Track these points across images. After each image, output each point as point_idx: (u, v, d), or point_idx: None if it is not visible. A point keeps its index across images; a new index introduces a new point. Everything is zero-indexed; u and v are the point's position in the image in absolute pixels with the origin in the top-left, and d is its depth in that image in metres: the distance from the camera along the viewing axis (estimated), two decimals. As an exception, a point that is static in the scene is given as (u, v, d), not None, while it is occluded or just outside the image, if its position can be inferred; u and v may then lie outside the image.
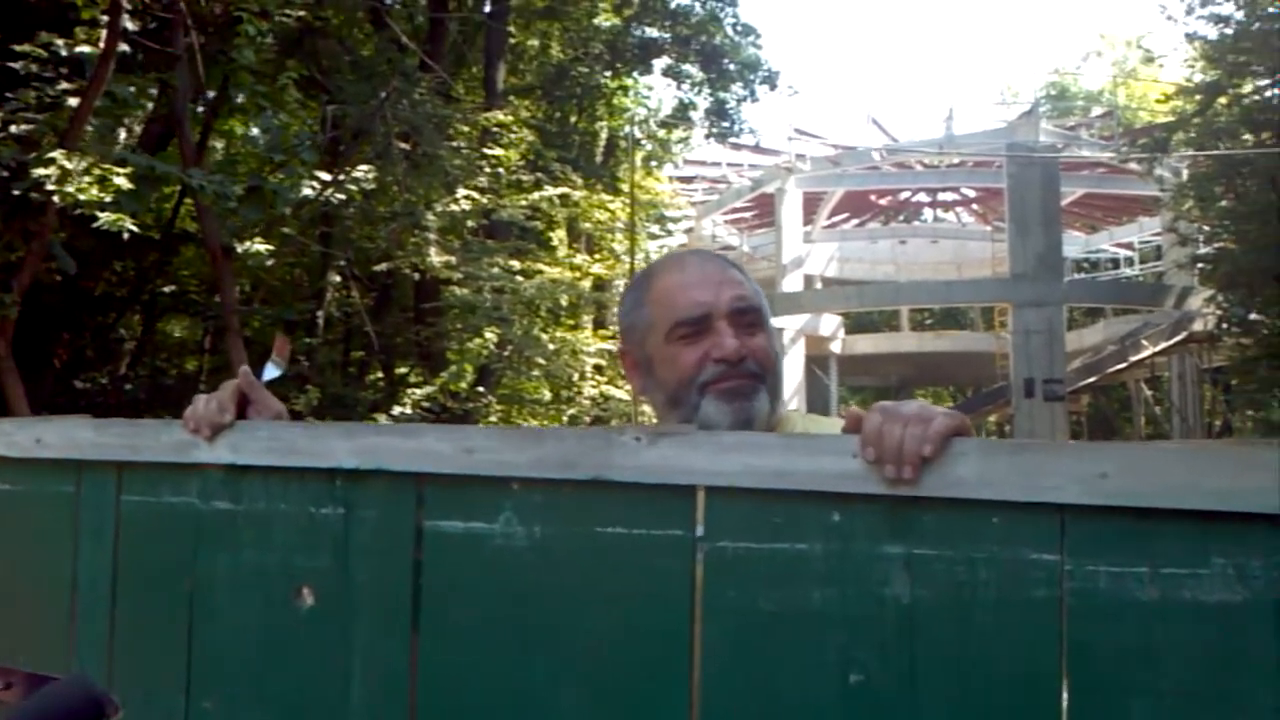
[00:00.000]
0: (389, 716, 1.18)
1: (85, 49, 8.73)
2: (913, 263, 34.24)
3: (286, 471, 1.27)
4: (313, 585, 1.24)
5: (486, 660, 1.13)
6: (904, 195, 36.63)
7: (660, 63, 18.92)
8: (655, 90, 22.48)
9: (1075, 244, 34.79)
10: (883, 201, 36.82)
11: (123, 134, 11.52)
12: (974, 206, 36.99)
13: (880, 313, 36.66)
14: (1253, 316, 22.78)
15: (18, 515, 1.51)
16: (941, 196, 37.07)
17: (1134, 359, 28.73)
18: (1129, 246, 37.03)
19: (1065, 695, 0.88)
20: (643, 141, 20.95)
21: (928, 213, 40.32)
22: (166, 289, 13.72)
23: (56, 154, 7.95)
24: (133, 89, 9.69)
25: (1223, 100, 23.69)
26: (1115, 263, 39.12)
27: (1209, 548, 0.84)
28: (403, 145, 11.94)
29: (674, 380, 1.45)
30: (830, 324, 30.22)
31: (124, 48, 8.68)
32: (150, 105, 11.74)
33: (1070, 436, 27.66)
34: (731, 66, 18.74)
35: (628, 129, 19.59)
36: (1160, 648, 0.86)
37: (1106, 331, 31.82)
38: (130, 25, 8.70)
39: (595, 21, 17.90)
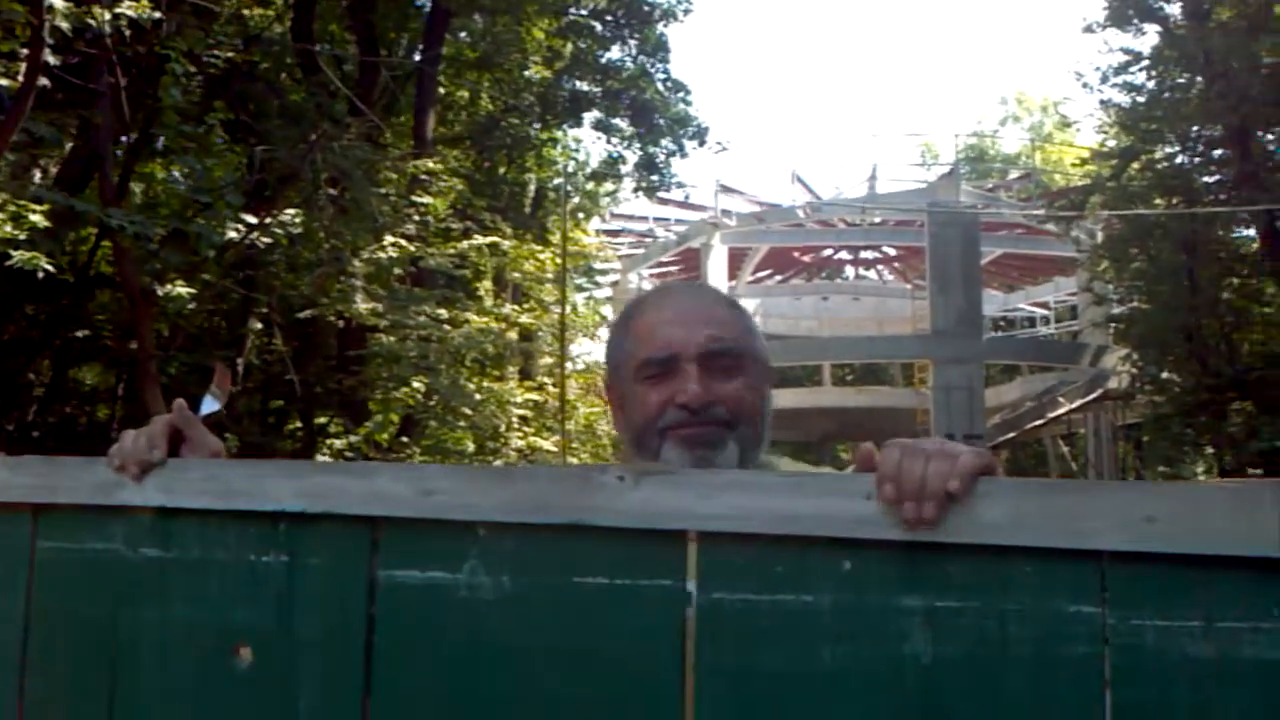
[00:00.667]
0: (336, 789, 1.06)
1: (3, 82, 8.49)
2: (835, 319, 34.59)
3: (224, 515, 1.14)
4: (252, 643, 1.12)
5: (449, 726, 1.02)
6: (827, 252, 37.09)
7: (590, 116, 18.98)
8: (584, 143, 22.54)
9: (993, 302, 35.42)
10: (806, 258, 37.23)
11: (38, 174, 11.22)
12: (895, 264, 37.56)
13: (804, 368, 36.89)
14: (1165, 375, 23.29)
15: (-83, 563, 1.36)
16: (864, 254, 37.59)
17: (1051, 415, 29.22)
18: (1045, 305, 37.83)
19: (1109, 765, 0.79)
20: (572, 194, 20.96)
21: (850, 270, 40.84)
22: (80, 333, 13.34)
23: (-32, 190, 7.69)
24: (53, 127, 9.43)
25: (1136, 165, 24.37)
26: (1031, 321, 39.91)
27: (1270, 598, 0.77)
28: (330, 191, 11.77)
29: (639, 421, 1.36)
30: (755, 378, 30.20)
31: (44, 83, 8.44)
32: (69, 145, 11.46)
33: (990, 492, 27.84)
34: (661, 121, 18.85)
35: (558, 180, 19.59)
36: (1216, 711, 0.77)
37: (1024, 388, 32.32)
38: (52, 60, 8.47)
39: (526, 74, 17.92)
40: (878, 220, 31.36)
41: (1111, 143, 26.18)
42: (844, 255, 38.11)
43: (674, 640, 0.93)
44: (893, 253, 35.67)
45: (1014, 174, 39.89)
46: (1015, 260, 33.00)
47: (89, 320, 13.46)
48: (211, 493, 1.15)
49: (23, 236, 7.65)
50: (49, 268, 7.85)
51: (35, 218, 7.70)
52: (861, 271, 40.08)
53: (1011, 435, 30.21)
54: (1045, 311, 37.97)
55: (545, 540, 0.99)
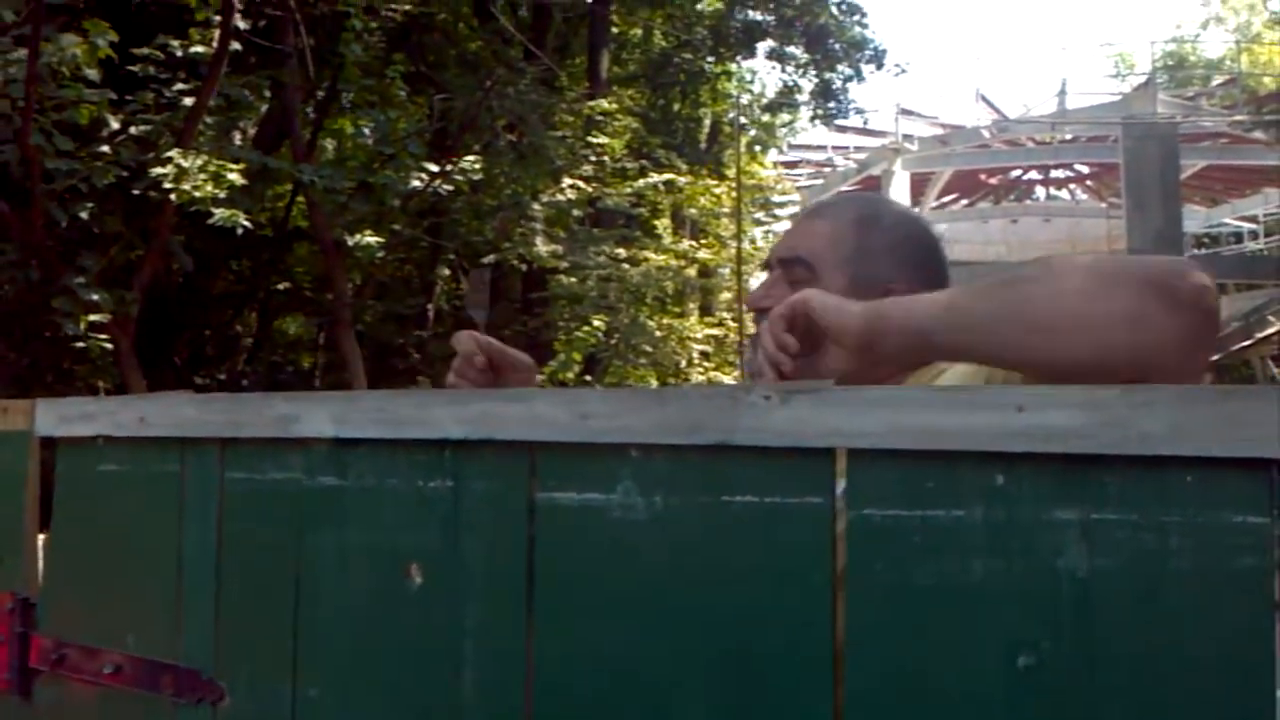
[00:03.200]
0: (504, 702, 1.10)
1: (199, 49, 8.90)
2: (1025, 242, 33.39)
3: (394, 444, 1.19)
4: (422, 563, 1.17)
5: (606, 643, 1.05)
6: (1015, 173, 35.75)
7: (764, 46, 18.71)
8: (759, 74, 22.26)
9: (1195, 219, 33.57)
10: (993, 180, 35.97)
11: (237, 136, 11.75)
12: (1088, 183, 35.96)
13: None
14: (1389, 289, 21.75)
15: (125, 495, 1.47)
16: (1055, 173, 36.10)
17: (1259, 335, 27.60)
18: (1253, 220, 35.65)
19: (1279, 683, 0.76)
20: (747, 126, 20.75)
21: (1040, 191, 39.33)
22: (281, 286, 14.01)
23: (173, 153, 8.12)
24: (246, 89, 9.86)
25: (1355, 63, 22.62)
26: (1238, 237, 37.69)
27: None
28: (508, 136, 11.98)
29: None
30: (941, 307, 29.53)
31: (236, 47, 8.83)
32: (263, 107, 11.97)
33: (1196, 418, 26.66)
34: (837, 47, 18.44)
35: (732, 114, 19.41)
36: (1397, 624, 0.73)
37: (1230, 308, 30.61)
38: (242, 25, 8.84)
39: (698, 7, 17.77)
40: (1069, 137, 30.02)
41: (1327, 40, 24.34)
42: (1033, 175, 36.68)
43: (824, 557, 0.93)
44: (1085, 171, 34.14)
45: (1217, 80, 37.48)
46: (1219, 172, 31.13)
47: (289, 273, 14.13)
48: (381, 422, 1.20)
49: (222, 195, 8.05)
50: (247, 224, 8.25)
51: (233, 176, 8.08)
52: (1052, 192, 38.54)
53: (1217, 358, 28.71)
54: (1253, 226, 35.78)
55: (695, 461, 1.00)
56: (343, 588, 1.23)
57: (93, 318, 8.37)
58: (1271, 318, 26.75)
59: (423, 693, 1.16)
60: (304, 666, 1.24)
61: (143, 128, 8.68)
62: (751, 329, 1.48)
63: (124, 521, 1.46)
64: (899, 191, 28.54)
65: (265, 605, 1.30)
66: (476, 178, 11.06)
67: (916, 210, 1.92)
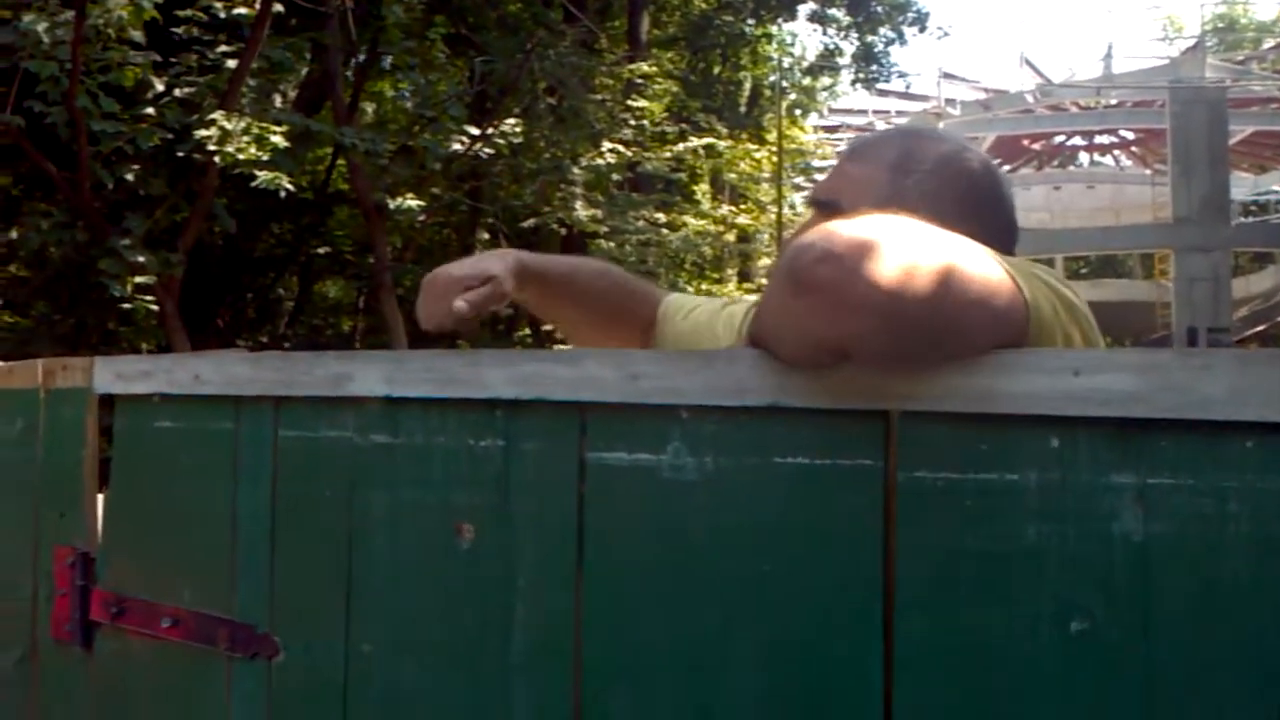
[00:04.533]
0: (553, 662, 1.11)
1: (242, 11, 8.92)
2: (1068, 209, 33.06)
3: (444, 403, 1.20)
4: (473, 522, 1.18)
5: (655, 604, 1.05)
6: (1059, 139, 35.32)
7: (805, 8, 18.54)
8: (800, 37, 22.06)
9: (1243, 185, 33.04)
10: (1036, 146, 35.57)
11: (279, 98, 11.79)
12: (1133, 149, 35.46)
13: (1034, 261, 35.45)
14: None
15: (180, 452, 1.49)
16: (1098, 139, 35.62)
17: (1311, 305, 27.18)
18: (1304, 187, 35.00)
19: (1337, 648, 0.75)
20: (788, 90, 20.58)
21: (1084, 156, 38.83)
22: (322, 250, 14.09)
23: (217, 115, 8.17)
24: (288, 51, 9.88)
25: None
26: (1288, 204, 37.05)
27: None
28: (548, 99, 11.95)
29: None
30: (982, 274, 29.34)
31: (278, 9, 8.85)
32: (304, 70, 12.00)
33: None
34: (879, 9, 18.23)
35: (773, 77, 19.26)
36: None
37: (1277, 277, 30.21)
38: (283, -14, 8.85)
39: (739, -32, 17.59)
40: (1114, 102, 29.58)
41: (1384, 2, 23.80)
42: (1077, 141, 36.23)
43: (876, 519, 0.93)
44: (1131, 136, 33.66)
45: (1268, 43, 36.75)
46: (1269, 138, 30.60)
47: (330, 237, 14.20)
48: (432, 381, 1.21)
49: (265, 158, 8.09)
50: (289, 187, 8.30)
51: (276, 139, 8.12)
52: (1096, 157, 38.05)
53: (1262, 328, 28.32)
54: (1304, 193, 35.15)
55: (745, 422, 1.00)
56: (395, 545, 1.25)
57: (138, 279, 8.46)
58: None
59: (473, 650, 1.17)
60: (356, 623, 1.26)
61: (186, 90, 8.73)
62: None
63: (180, 478, 1.48)
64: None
65: (318, 562, 1.32)
66: (516, 141, 11.06)
67: (973, 150, 1.61)
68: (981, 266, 0.93)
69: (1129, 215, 31.12)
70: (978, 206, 1.31)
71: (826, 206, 1.31)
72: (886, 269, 0.85)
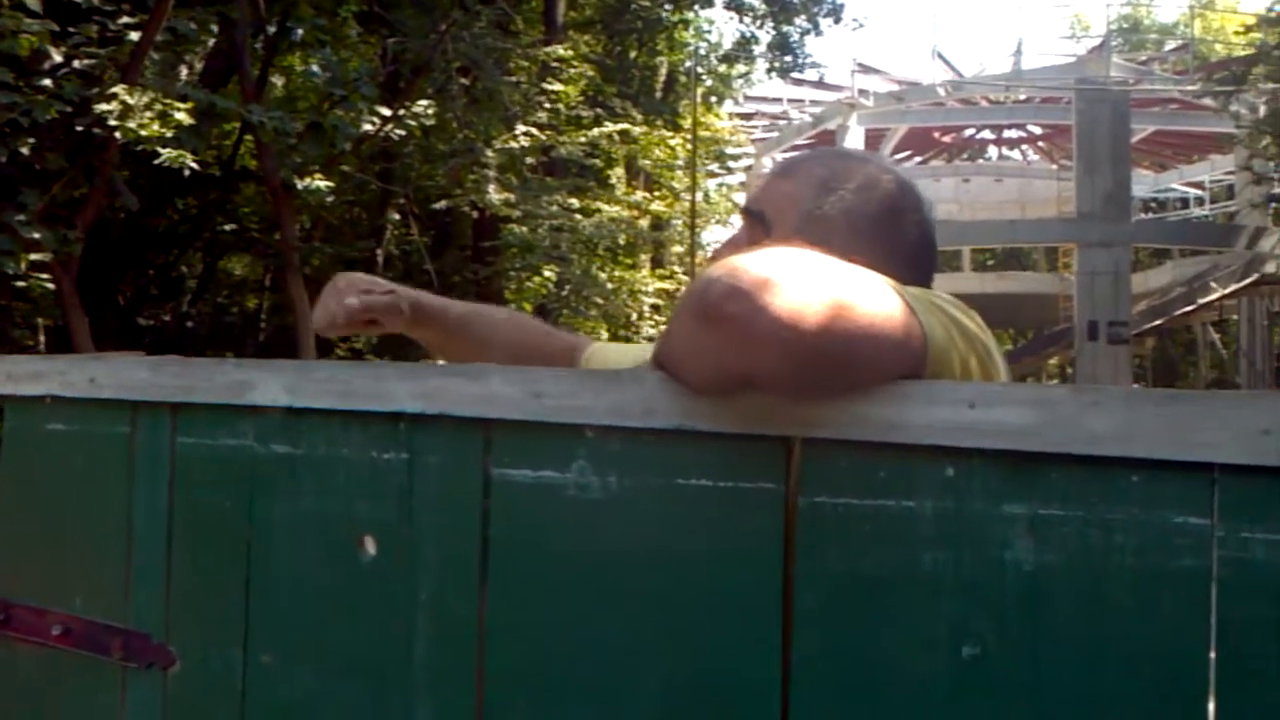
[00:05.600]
0: (455, 675, 1.11)
1: (145, -19, 8.67)
2: (976, 202, 33.71)
3: (348, 415, 1.19)
4: (376, 535, 1.17)
5: (559, 620, 1.06)
6: (969, 132, 35.98)
7: (722, -4, 18.57)
8: (717, 24, 22.13)
9: (1144, 183, 34.02)
10: (947, 139, 36.20)
11: (184, 71, 11.51)
12: (1040, 144, 36.26)
13: (942, 253, 36.09)
14: (1329, 258, 22.19)
15: (74, 456, 1.45)
16: (1008, 134, 36.35)
17: (1202, 301, 28.11)
18: (1199, 186, 36.14)
19: (1213, 680, 0.78)
20: (703, 77, 20.64)
21: (992, 150, 39.58)
22: (227, 227, 13.80)
23: (118, 89, 7.95)
24: (193, 24, 9.64)
25: (1306, 33, 22.92)
26: (1185, 202, 38.22)
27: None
28: (462, 80, 11.83)
29: None
30: (891, 264, 29.75)
31: (184, -20, 8.62)
32: (211, 41, 11.71)
33: (1134, 380, 27.24)
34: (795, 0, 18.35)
35: (689, 64, 19.29)
36: (1328, 627, 0.75)
37: (1174, 273, 31.15)
38: (189, -43, 8.62)
39: (656, -47, 17.57)
40: (1023, 98, 30.19)
41: None
42: (986, 135, 36.93)
43: (776, 542, 0.95)
44: (1038, 132, 34.42)
45: (1170, 45, 37.79)
46: (1169, 138, 31.51)
47: (235, 213, 13.92)
48: (334, 393, 1.20)
49: (169, 134, 7.89)
50: (194, 165, 8.10)
51: (180, 115, 7.93)
52: (1005, 152, 38.82)
53: (1159, 322, 29.20)
54: (1199, 192, 36.30)
55: (651, 443, 1.01)
56: (296, 556, 1.24)
57: (34, 257, 8.20)
58: (1214, 284, 27.20)
59: (375, 662, 1.16)
60: (256, 633, 1.24)
61: (86, 62, 8.46)
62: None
63: (73, 482, 1.45)
64: (854, 146, 28.56)
65: (217, 571, 1.29)
66: (429, 123, 10.93)
67: (898, 173, 1.64)
68: (880, 298, 0.95)
69: (1035, 209, 31.85)
70: (893, 225, 1.34)
71: (754, 216, 1.36)
72: (788, 304, 0.87)
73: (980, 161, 38.63)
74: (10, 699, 1.50)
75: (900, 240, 1.34)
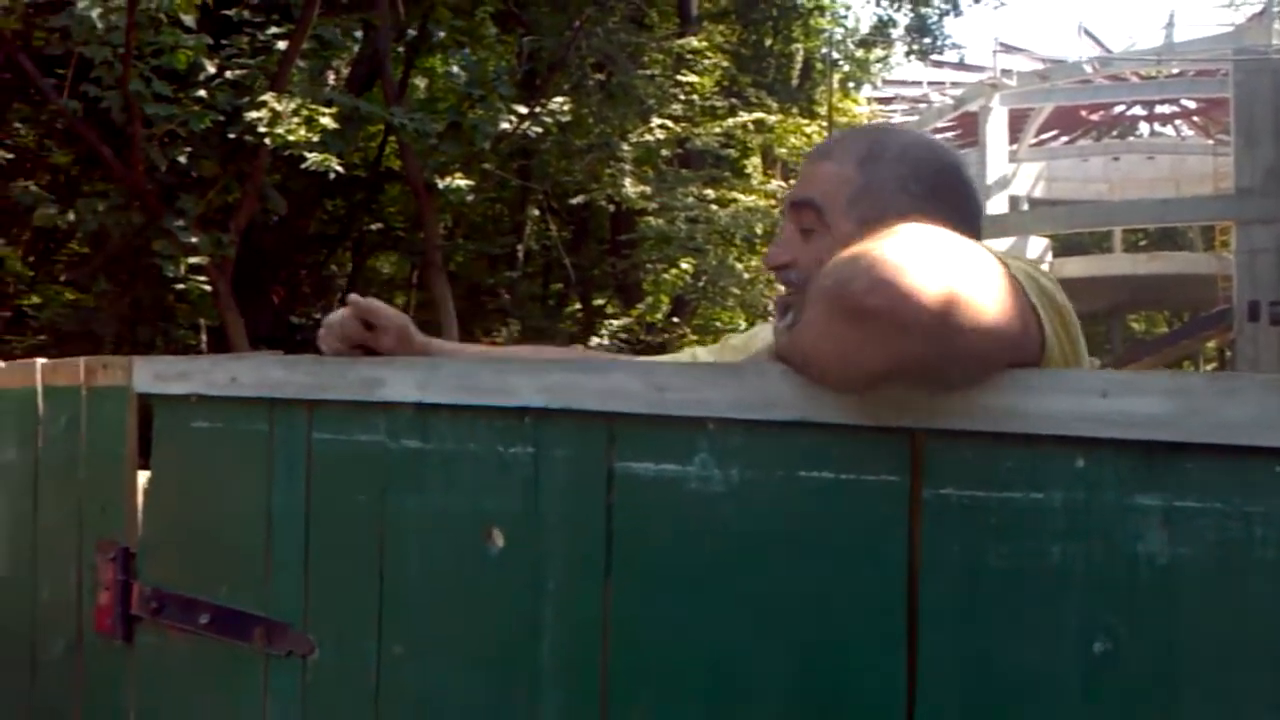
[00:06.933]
0: (581, 667, 1.12)
1: (292, -9, 8.97)
2: (1127, 180, 32.53)
3: (475, 410, 1.21)
4: (503, 528, 1.19)
5: (682, 614, 1.06)
6: (1118, 109, 34.69)
7: (858, -21, 18.28)
8: (853, 8, 21.82)
9: (1310, 155, 32.25)
10: (1095, 117, 34.96)
11: (330, 77, 11.86)
12: (1194, 119, 34.75)
13: (1091, 234, 34.94)
14: None
15: (218, 452, 1.51)
16: (1159, 109, 34.95)
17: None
18: (1372, 156, 34.17)
19: (1365, 678, 0.74)
20: (840, 62, 20.37)
21: (1144, 127, 38.13)
22: (374, 226, 14.19)
23: (267, 97, 8.24)
24: (337, 30, 9.93)
25: None
26: (1356, 175, 36.18)
27: None
28: (597, 75, 11.92)
29: None
30: (1038, 246, 29.03)
31: (327, -11, 8.88)
32: (355, 47, 12.05)
33: (1301, 363, 25.97)
34: (933, -20, 17.96)
35: (824, 50, 19.06)
36: None
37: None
38: (332, -34, 8.88)
39: (791, -60, 17.41)
40: (1175, 72, 29.00)
41: None
42: (1137, 111, 35.57)
43: (901, 536, 0.93)
44: (1192, 106, 32.99)
45: (1338, 9, 35.80)
46: (1336, 107, 29.85)
47: (382, 213, 14.30)
48: (462, 389, 1.22)
49: (315, 139, 8.15)
50: (339, 168, 8.35)
51: (325, 120, 8.18)
52: (1157, 128, 37.34)
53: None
54: (1372, 162, 34.32)
55: (773, 435, 1.00)
56: (426, 549, 1.26)
57: (191, 260, 8.57)
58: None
59: (502, 654, 1.18)
60: (388, 624, 1.28)
61: (238, 72, 8.81)
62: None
63: (216, 477, 1.51)
64: (997, 127, 27.88)
65: (351, 563, 1.33)
66: (565, 119, 11.04)
67: (935, 139, 1.66)
68: (1006, 287, 0.94)
69: (1189, 186, 30.57)
70: (947, 192, 1.32)
71: (804, 205, 1.31)
72: (934, 297, 0.86)
73: (1131, 139, 37.25)
74: (165, 683, 1.57)
75: (952, 200, 1.31)
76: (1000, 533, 0.89)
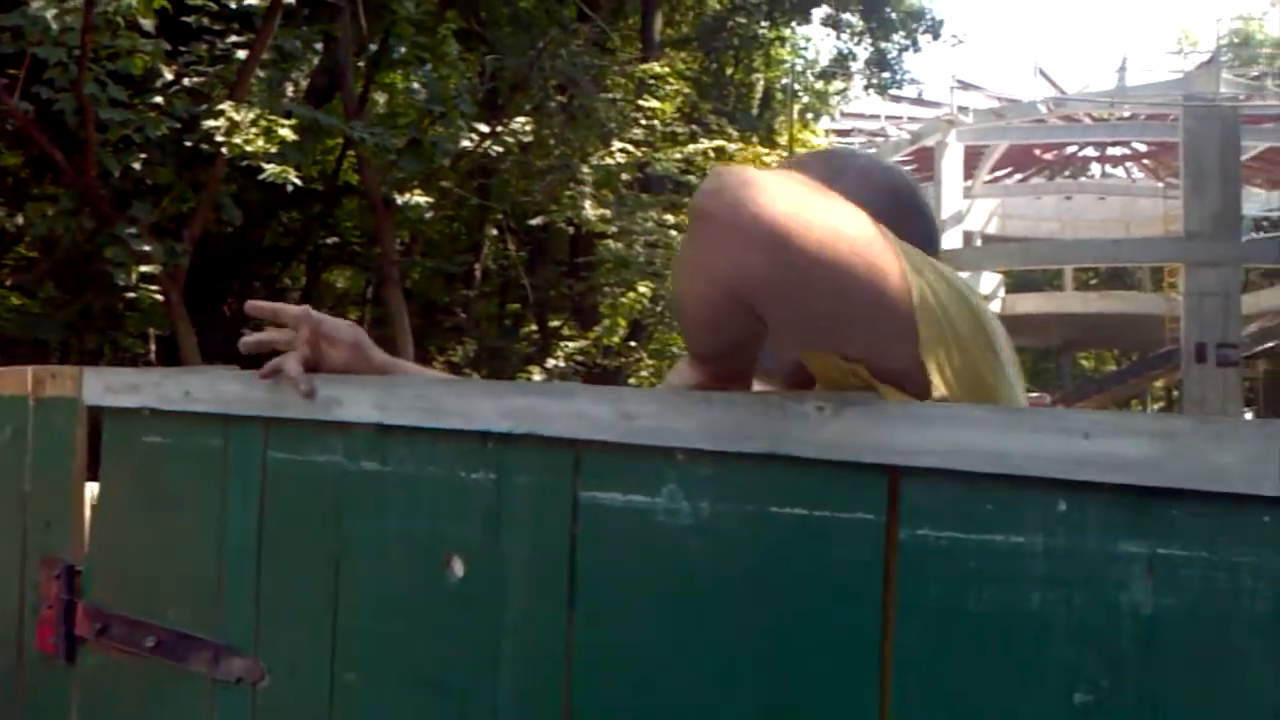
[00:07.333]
0: (542, 702, 1.08)
1: (253, 1, 8.89)
2: (1078, 220, 33.03)
3: (435, 433, 1.17)
4: (463, 555, 1.15)
5: (648, 649, 1.02)
6: (1071, 149, 35.24)
7: (820, 12, 18.48)
8: (813, 40, 22.03)
9: (1254, 201, 32.97)
10: (1048, 156, 35.50)
11: (289, 88, 11.77)
12: (1145, 161, 35.38)
13: (1043, 272, 35.37)
14: None
15: (169, 468, 1.46)
16: (1111, 151, 35.54)
17: (1320, 323, 27.12)
18: (1315, 204, 34.95)
19: (1352, 736, 0.72)
20: (800, 93, 20.53)
21: (1095, 168, 38.76)
22: (330, 240, 14.08)
23: (225, 106, 8.14)
24: (298, 41, 9.85)
25: None
26: (1299, 221, 36.99)
27: None
28: (559, 97, 11.91)
29: None
30: (990, 283, 29.36)
31: (289, 0, 8.81)
32: (315, 59, 11.97)
33: (1244, 404, 26.41)
34: (893, 15, 18.17)
35: (784, 80, 19.21)
36: None
37: (1281, 296, 30.12)
38: (295, -23, 8.82)
39: (754, -30, 17.55)
40: (1127, 114, 29.52)
41: (1400, 22, 23.78)
42: (1090, 152, 36.15)
43: (874, 577, 0.90)
44: (1143, 149, 33.59)
45: (1284, 60, 36.67)
46: (1282, 155, 30.50)
47: (338, 228, 14.19)
48: (422, 410, 1.18)
49: (274, 150, 8.06)
50: (296, 181, 8.26)
51: (284, 132, 8.09)
52: (1108, 169, 37.97)
53: (1270, 345, 28.27)
54: (1315, 210, 35.08)
55: (743, 468, 0.97)
56: (383, 575, 1.22)
57: (143, 269, 8.43)
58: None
59: (459, 686, 1.14)
60: (342, 652, 1.23)
61: (196, 79, 8.71)
62: None
63: (168, 495, 1.46)
64: (952, 163, 28.21)
65: (305, 587, 1.29)
66: (527, 139, 11.01)
67: (892, 165, 1.63)
68: (869, 230, 0.92)
69: (1140, 228, 31.08)
70: (904, 217, 1.26)
71: None
72: (775, 204, 0.86)
73: (1083, 179, 37.83)
74: (109, 707, 1.51)
75: (909, 226, 1.24)
76: (979, 576, 0.86)
